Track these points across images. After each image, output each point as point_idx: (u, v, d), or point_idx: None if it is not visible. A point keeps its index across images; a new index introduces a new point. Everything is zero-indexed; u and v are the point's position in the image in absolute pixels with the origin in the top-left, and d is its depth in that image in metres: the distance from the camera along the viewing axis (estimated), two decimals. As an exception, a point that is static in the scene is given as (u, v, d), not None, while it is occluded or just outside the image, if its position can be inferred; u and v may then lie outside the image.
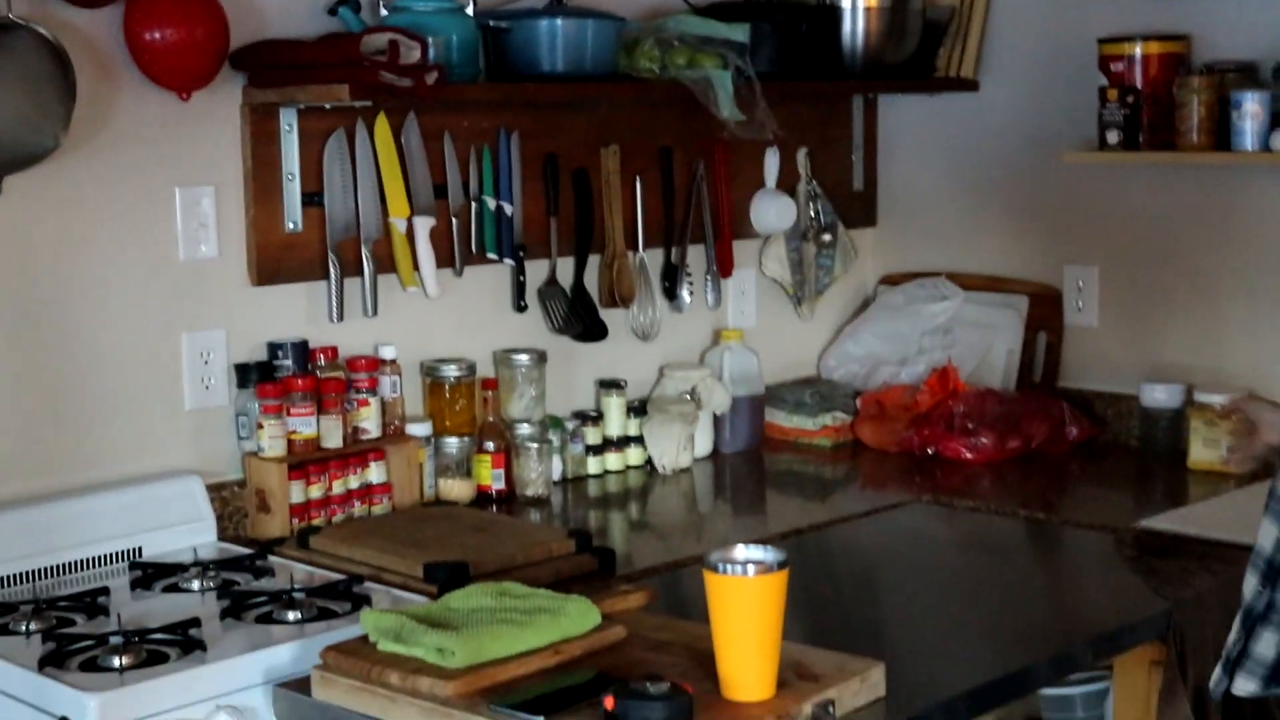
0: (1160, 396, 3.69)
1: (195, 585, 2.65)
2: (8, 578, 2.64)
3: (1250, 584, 2.24)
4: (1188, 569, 2.84)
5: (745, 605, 2.15)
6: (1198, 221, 3.73)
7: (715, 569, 2.15)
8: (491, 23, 3.16)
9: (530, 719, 2.08)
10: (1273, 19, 3.61)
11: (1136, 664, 2.87)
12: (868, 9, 3.71)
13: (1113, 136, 3.60)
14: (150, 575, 2.69)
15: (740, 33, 3.33)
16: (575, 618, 2.31)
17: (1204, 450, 3.51)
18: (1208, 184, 3.69)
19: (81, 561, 2.73)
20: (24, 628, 2.41)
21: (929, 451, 3.68)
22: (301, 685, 2.26)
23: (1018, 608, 2.75)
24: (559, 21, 3.16)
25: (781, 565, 2.15)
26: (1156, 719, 2.84)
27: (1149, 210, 3.80)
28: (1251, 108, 3.39)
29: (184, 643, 2.36)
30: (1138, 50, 3.60)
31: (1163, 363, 3.79)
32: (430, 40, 2.93)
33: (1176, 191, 3.74)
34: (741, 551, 2.17)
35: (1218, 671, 2.29)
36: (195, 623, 2.43)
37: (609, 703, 2.04)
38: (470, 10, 3.15)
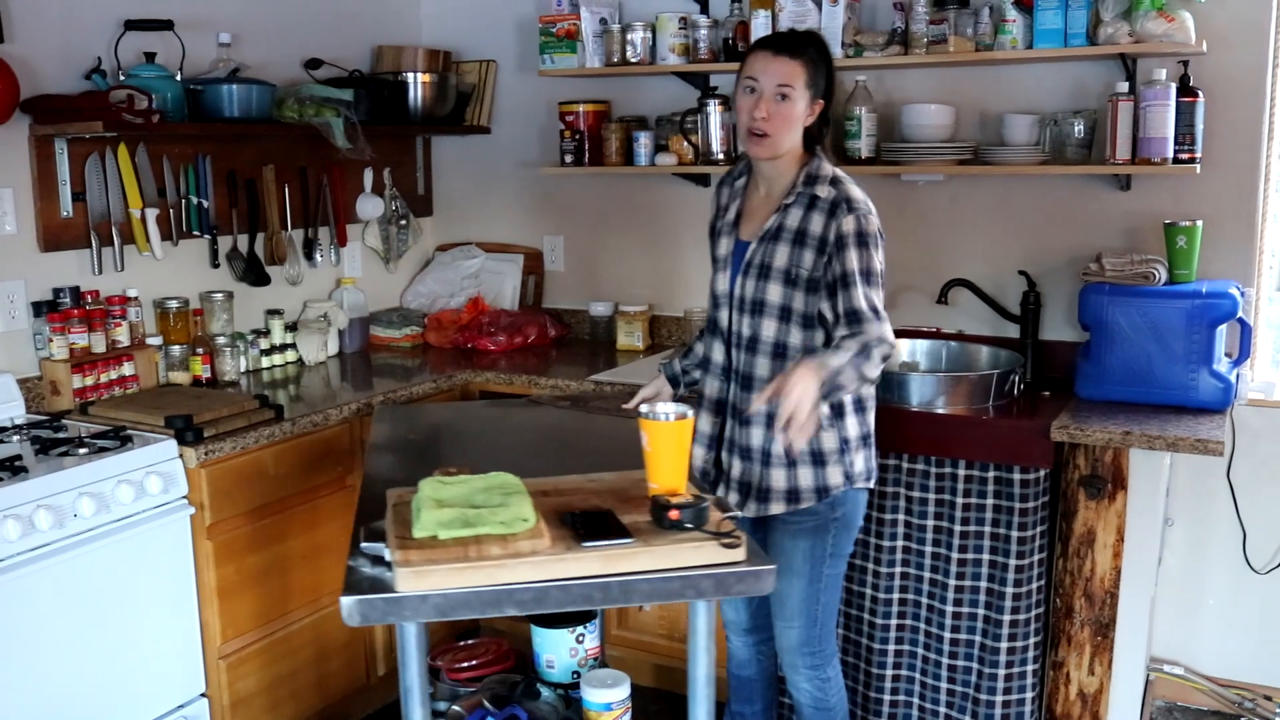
0: (600, 309, 3.87)
1: (15, 439, 2.65)
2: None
3: None
4: (618, 397, 2.99)
5: (680, 439, 1.91)
6: (616, 207, 3.88)
7: (651, 417, 1.90)
8: (193, 85, 3.12)
9: (622, 542, 1.75)
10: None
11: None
12: (424, 83, 3.73)
13: (569, 158, 3.69)
14: (-18, 436, 2.61)
15: (348, 95, 3.35)
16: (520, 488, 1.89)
17: (625, 339, 3.75)
18: (621, 185, 3.85)
19: (-64, 432, 2.62)
20: (-97, 474, 2.35)
21: (469, 346, 3.75)
22: (375, 588, 1.63)
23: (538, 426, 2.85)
24: (235, 86, 3.15)
25: (691, 414, 1.93)
26: None
27: (590, 202, 3.92)
28: (645, 141, 3.59)
29: (12, 470, 2.40)
30: (581, 109, 3.70)
31: (601, 289, 3.95)
32: (153, 95, 2.90)
33: (605, 190, 3.89)
34: (672, 408, 1.92)
35: None
36: (19, 458, 2.45)
37: (674, 514, 1.82)
38: (179, 77, 3.09)
